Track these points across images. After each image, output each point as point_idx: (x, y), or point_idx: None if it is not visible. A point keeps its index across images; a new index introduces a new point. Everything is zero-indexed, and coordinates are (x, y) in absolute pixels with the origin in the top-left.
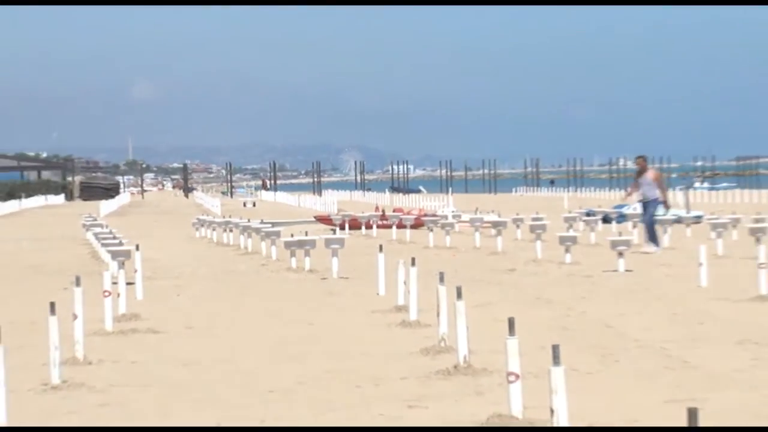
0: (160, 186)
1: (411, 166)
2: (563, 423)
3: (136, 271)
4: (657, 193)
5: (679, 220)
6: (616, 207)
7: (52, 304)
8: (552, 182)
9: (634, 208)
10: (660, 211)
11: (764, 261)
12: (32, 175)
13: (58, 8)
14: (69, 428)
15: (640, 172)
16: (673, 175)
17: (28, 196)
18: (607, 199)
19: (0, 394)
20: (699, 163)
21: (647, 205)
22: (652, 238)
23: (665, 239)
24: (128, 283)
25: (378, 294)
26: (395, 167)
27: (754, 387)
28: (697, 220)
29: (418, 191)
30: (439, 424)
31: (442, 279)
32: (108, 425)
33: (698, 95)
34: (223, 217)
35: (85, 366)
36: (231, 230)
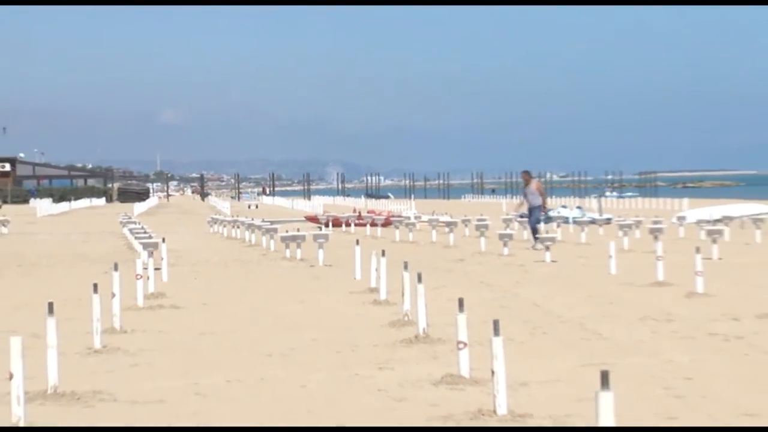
0: (181, 192)
1: (382, 177)
2: (501, 381)
3: (162, 259)
4: (539, 201)
5: (593, 222)
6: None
7: (95, 285)
8: (493, 191)
9: (558, 211)
10: (541, 215)
11: (661, 254)
12: (80, 182)
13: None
14: (73, 428)
15: (526, 183)
16: (589, 186)
17: (77, 198)
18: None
19: (52, 357)
20: (609, 177)
21: (532, 210)
22: (536, 237)
23: (582, 237)
24: (156, 269)
25: (355, 278)
26: (369, 178)
27: (653, 354)
28: (608, 221)
29: (387, 197)
30: (401, 381)
31: (406, 267)
32: (138, 381)
33: (611, 120)
34: (232, 216)
35: (121, 334)
36: (238, 227)
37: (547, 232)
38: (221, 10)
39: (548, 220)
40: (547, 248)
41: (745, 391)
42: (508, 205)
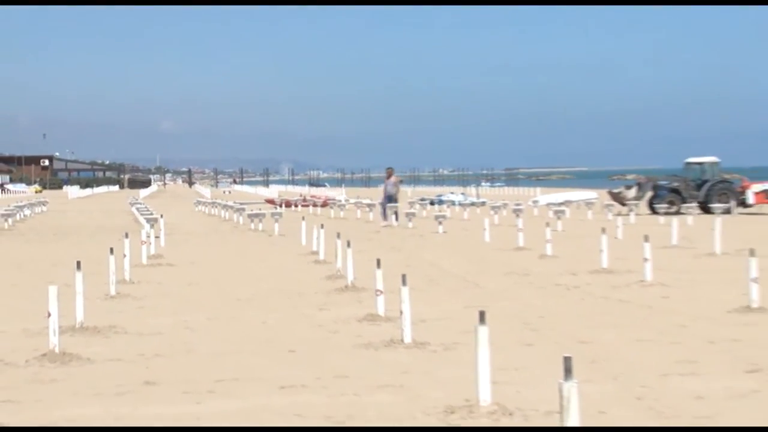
0: (174, 181)
1: (321, 171)
2: (407, 319)
3: (161, 230)
4: (395, 190)
5: (473, 204)
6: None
7: (111, 249)
8: (401, 181)
9: (448, 196)
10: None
11: (521, 227)
12: (99, 174)
13: (119, 73)
14: (70, 428)
15: (388, 177)
16: (469, 178)
17: (97, 186)
18: (431, 191)
19: (79, 301)
20: (484, 171)
21: (390, 198)
22: (387, 217)
23: (465, 215)
24: (156, 237)
25: (301, 244)
26: (312, 172)
27: (515, 299)
28: (483, 204)
29: (325, 186)
30: (335, 319)
31: (338, 236)
32: (143, 319)
33: (486, 129)
34: (212, 199)
35: (130, 285)
36: (216, 207)
37: (439, 211)
38: (204, 46)
39: (441, 202)
40: (440, 222)
41: (581, 326)
42: (412, 193)
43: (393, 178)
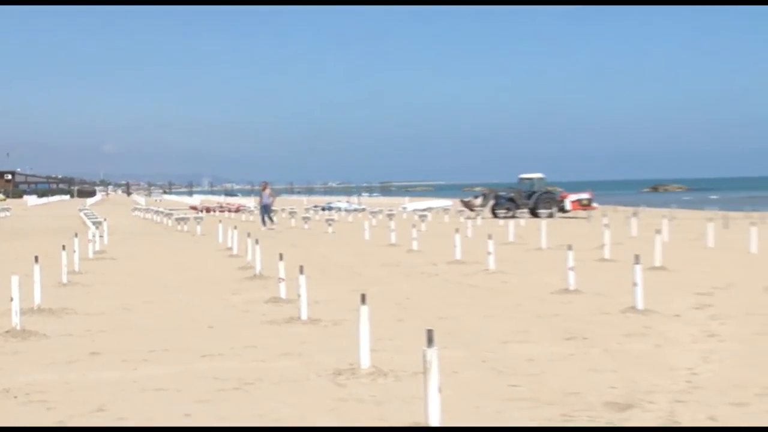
0: (115, 192)
1: (234, 184)
2: (304, 301)
3: (104, 230)
4: (269, 200)
5: (356, 210)
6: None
7: (63, 246)
8: (299, 192)
9: (336, 204)
10: (270, 211)
11: (393, 228)
12: (53, 185)
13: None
14: (66, 428)
15: (263, 189)
16: (353, 189)
17: (52, 195)
18: (322, 200)
19: (37, 287)
20: (364, 184)
21: (265, 207)
22: (265, 222)
23: (350, 218)
24: (100, 236)
25: (219, 242)
26: (227, 184)
27: (388, 284)
28: (363, 210)
29: (237, 195)
30: (246, 301)
31: (248, 235)
32: (90, 302)
33: (364, 149)
34: (146, 206)
35: (79, 274)
36: (149, 212)
37: (329, 215)
38: (139, 79)
39: (330, 208)
40: (329, 224)
41: (440, 305)
42: (308, 201)
43: (267, 191)
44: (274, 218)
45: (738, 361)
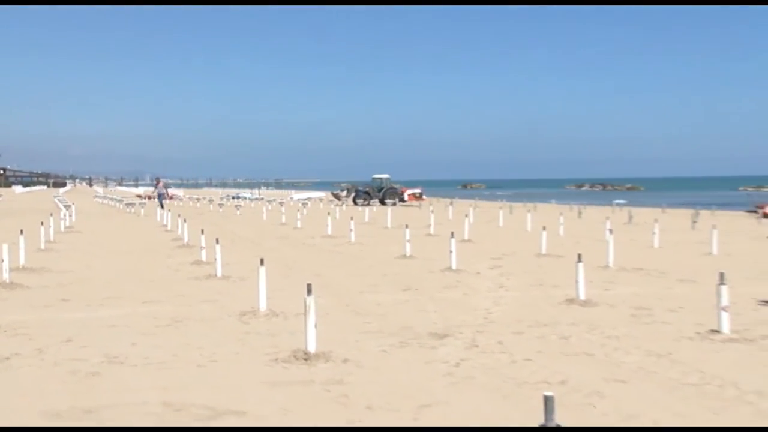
0: (81, 184)
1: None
2: (218, 263)
3: (73, 211)
4: (164, 191)
5: (257, 199)
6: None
7: (42, 222)
8: (215, 185)
9: (251, 192)
10: (164, 200)
11: (284, 212)
12: (35, 178)
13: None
14: (66, 428)
15: (157, 184)
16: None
17: (33, 185)
18: (233, 191)
19: (22, 252)
20: (263, 180)
21: (160, 195)
22: (163, 207)
23: (252, 205)
24: (70, 215)
25: (157, 221)
26: (164, 179)
27: (280, 251)
28: (262, 199)
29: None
30: (177, 264)
31: (179, 215)
32: (61, 263)
33: (265, 151)
34: (104, 194)
35: (54, 243)
36: (106, 199)
37: (238, 203)
38: (97, 94)
39: (238, 197)
40: (238, 209)
41: (317, 266)
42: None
43: (161, 184)
44: (165, 204)
45: (518, 304)
